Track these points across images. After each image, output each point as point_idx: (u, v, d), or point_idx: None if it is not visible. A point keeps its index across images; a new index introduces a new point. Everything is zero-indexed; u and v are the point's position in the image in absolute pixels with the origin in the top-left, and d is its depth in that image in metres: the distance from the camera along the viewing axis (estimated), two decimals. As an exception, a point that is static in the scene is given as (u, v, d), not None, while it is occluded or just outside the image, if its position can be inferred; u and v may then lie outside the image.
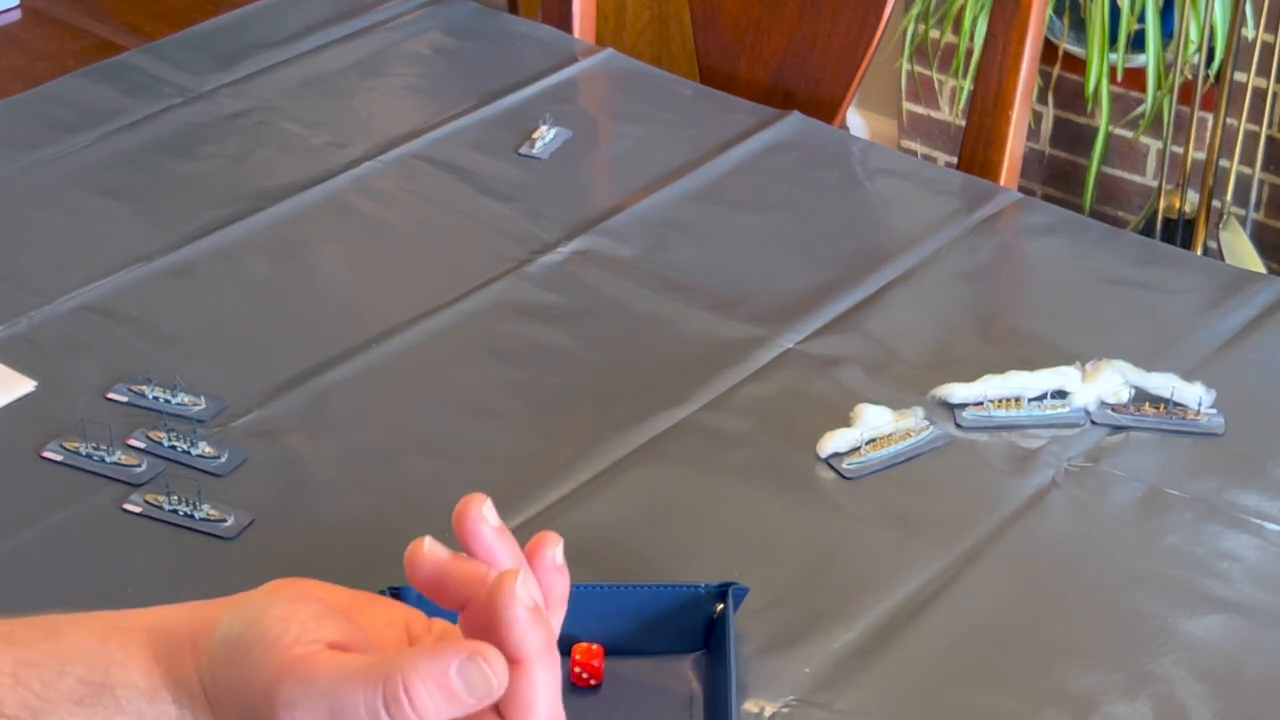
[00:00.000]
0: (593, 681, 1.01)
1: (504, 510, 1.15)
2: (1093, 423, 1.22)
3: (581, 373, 1.29)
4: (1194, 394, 1.22)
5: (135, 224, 1.47)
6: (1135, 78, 2.62)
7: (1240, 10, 2.39)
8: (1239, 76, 2.52)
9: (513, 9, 3.19)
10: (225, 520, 1.14)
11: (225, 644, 0.72)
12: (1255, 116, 2.57)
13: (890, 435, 1.20)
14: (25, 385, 1.27)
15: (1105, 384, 1.22)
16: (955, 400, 1.23)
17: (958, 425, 1.22)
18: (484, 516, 0.78)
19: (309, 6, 1.83)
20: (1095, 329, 1.32)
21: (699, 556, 1.11)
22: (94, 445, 1.20)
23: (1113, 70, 2.58)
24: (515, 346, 1.32)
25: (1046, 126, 2.81)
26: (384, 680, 0.68)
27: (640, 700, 1.01)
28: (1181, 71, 2.50)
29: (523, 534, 1.13)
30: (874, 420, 1.20)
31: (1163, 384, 1.22)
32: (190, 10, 3.24)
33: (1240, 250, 2.58)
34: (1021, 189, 1.75)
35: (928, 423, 1.21)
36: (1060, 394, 1.23)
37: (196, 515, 1.14)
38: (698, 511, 1.15)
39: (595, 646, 1.01)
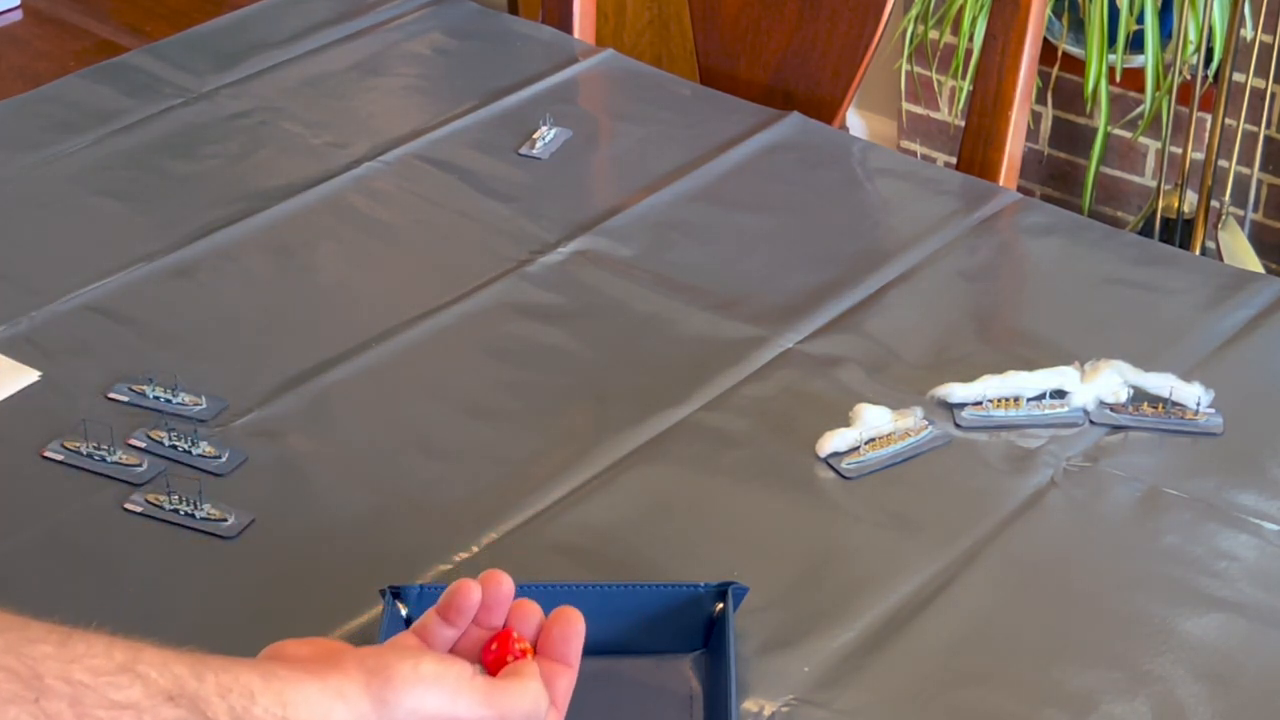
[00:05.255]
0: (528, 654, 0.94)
1: (504, 510, 1.16)
2: (1091, 422, 1.22)
3: (581, 373, 1.29)
4: (1192, 394, 1.22)
5: (136, 224, 1.47)
6: (1134, 78, 2.62)
7: (1239, 10, 2.39)
8: (1237, 77, 2.52)
9: (513, 9, 3.20)
10: (226, 520, 1.14)
11: None
12: (1254, 117, 2.57)
13: (889, 435, 1.20)
14: (29, 375, 1.28)
15: (1104, 384, 1.22)
16: (954, 400, 1.23)
17: (957, 425, 1.22)
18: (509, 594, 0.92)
19: (310, 7, 1.83)
20: (1094, 329, 1.32)
21: (699, 556, 1.11)
22: (95, 445, 1.20)
23: (1111, 71, 2.58)
24: (515, 346, 1.32)
25: (1045, 127, 2.81)
26: None
27: (640, 700, 1.01)
28: (1180, 72, 2.50)
29: (522, 534, 1.14)
30: (873, 420, 1.20)
31: (1161, 384, 1.22)
32: (191, 10, 3.24)
33: (1239, 250, 2.58)
34: (1021, 189, 1.75)
35: (927, 422, 1.21)
36: (1059, 394, 1.23)
37: (197, 515, 1.14)
38: (698, 511, 1.16)
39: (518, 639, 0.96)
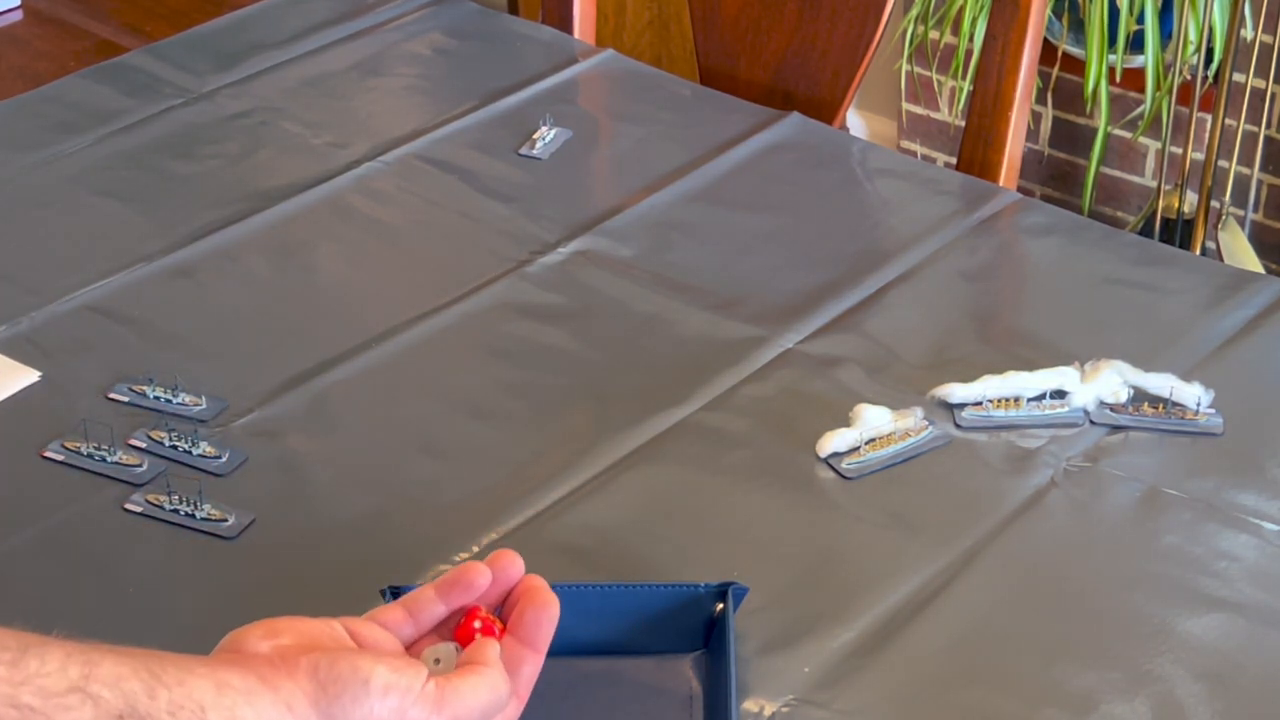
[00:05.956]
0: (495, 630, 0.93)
1: (504, 510, 1.16)
2: (1091, 423, 1.22)
3: (581, 373, 1.29)
4: (1192, 394, 1.22)
5: (136, 224, 1.47)
6: (1134, 78, 2.62)
7: (1239, 11, 2.40)
8: (1238, 77, 2.53)
9: (513, 10, 3.20)
10: (226, 520, 1.14)
11: None
12: (1254, 117, 2.57)
13: (890, 435, 1.20)
14: (29, 375, 1.28)
15: (1104, 384, 1.22)
16: (954, 400, 1.23)
17: (957, 425, 1.22)
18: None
19: (310, 7, 1.83)
20: (1094, 329, 1.32)
21: (699, 556, 1.11)
22: (95, 445, 1.20)
23: (1111, 71, 2.58)
24: (515, 346, 1.32)
25: (1045, 127, 2.81)
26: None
27: (640, 700, 1.01)
28: (1180, 72, 2.50)
29: (522, 534, 1.14)
30: (873, 420, 1.20)
31: (1161, 384, 1.23)
32: (191, 11, 3.25)
33: (1239, 250, 2.58)
34: (1021, 189, 1.75)
35: (927, 423, 1.21)
36: (1059, 394, 1.23)
37: (197, 515, 1.14)
38: (698, 511, 1.16)
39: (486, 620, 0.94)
